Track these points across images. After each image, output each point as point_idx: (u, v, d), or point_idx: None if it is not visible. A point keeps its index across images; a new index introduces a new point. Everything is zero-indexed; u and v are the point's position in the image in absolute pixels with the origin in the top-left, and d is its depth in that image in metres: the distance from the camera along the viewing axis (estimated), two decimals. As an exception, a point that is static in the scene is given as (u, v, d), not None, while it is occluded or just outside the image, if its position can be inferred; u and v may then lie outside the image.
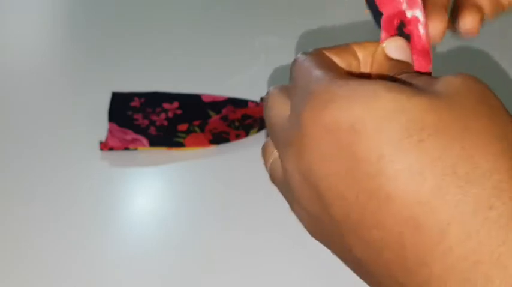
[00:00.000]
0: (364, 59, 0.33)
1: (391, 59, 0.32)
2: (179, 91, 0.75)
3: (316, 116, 0.27)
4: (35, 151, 0.68)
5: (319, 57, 0.31)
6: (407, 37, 0.34)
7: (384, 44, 0.33)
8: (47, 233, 0.60)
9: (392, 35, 0.34)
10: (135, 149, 0.68)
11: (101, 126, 0.70)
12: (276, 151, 0.31)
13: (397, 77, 0.31)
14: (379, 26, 0.35)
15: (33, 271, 0.57)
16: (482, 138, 0.25)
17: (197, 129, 0.70)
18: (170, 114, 0.72)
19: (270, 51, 0.83)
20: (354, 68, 0.32)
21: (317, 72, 0.29)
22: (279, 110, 0.30)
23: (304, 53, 0.31)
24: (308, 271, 0.53)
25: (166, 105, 0.73)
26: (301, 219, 0.31)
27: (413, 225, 0.25)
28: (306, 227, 0.31)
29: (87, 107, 0.73)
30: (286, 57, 0.82)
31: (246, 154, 0.68)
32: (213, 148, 0.69)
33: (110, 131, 0.69)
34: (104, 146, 0.68)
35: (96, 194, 0.65)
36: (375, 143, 0.25)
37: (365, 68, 0.33)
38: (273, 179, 0.32)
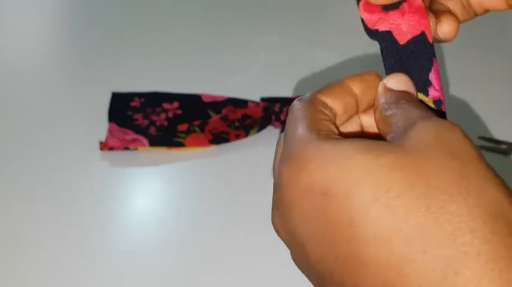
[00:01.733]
0: (362, 92, 0.33)
1: (392, 90, 0.32)
2: (179, 91, 0.75)
3: (293, 177, 0.28)
4: (35, 151, 0.68)
5: (312, 107, 0.31)
6: None
7: (385, 80, 0.33)
8: (47, 233, 0.60)
9: (379, 13, 0.34)
10: (135, 149, 0.68)
11: (101, 126, 0.70)
12: None
13: (373, 132, 0.32)
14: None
15: (33, 271, 0.57)
16: (448, 198, 0.25)
17: (197, 129, 0.70)
18: (170, 114, 0.72)
19: (270, 51, 0.83)
20: (350, 107, 0.32)
21: (300, 131, 0.29)
22: (277, 155, 0.31)
23: (299, 100, 0.31)
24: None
25: (166, 105, 0.73)
26: (299, 269, 0.31)
27: None
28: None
29: (87, 107, 0.73)
30: (286, 57, 0.82)
31: (246, 154, 0.68)
32: (213, 148, 0.69)
33: (110, 131, 0.69)
34: (104, 146, 0.68)
35: (96, 194, 0.65)
36: (345, 207, 0.26)
37: (363, 102, 0.33)
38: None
